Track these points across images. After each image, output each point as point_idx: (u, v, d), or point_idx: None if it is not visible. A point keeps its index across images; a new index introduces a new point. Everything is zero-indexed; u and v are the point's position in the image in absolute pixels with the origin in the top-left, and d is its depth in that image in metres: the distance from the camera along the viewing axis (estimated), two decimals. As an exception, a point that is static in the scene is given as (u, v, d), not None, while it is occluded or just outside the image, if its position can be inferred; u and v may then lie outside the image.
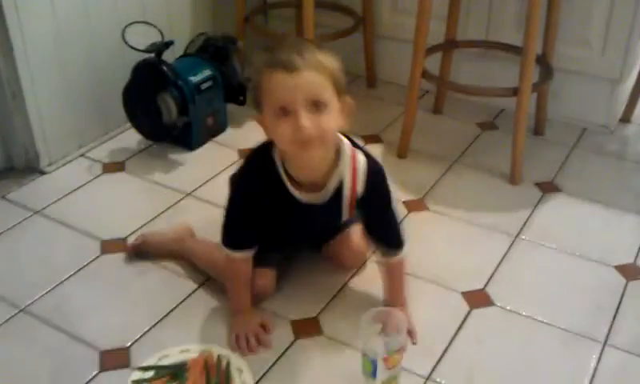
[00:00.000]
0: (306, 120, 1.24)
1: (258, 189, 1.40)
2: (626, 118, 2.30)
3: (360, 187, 1.39)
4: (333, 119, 1.28)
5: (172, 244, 1.67)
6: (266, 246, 1.50)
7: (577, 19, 2.13)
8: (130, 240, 1.72)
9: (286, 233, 1.52)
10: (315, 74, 1.25)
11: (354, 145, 1.41)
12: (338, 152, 1.37)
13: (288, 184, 1.38)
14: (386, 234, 1.47)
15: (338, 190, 1.39)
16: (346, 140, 1.39)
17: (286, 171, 1.38)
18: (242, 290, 1.48)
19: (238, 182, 1.46)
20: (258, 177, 1.40)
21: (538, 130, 2.22)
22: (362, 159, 1.39)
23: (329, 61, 1.28)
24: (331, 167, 1.37)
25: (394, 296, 1.50)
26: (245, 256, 1.46)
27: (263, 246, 1.48)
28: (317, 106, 1.26)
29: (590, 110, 2.24)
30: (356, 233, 1.59)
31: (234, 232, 1.46)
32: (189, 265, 1.64)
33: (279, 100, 1.26)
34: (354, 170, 1.38)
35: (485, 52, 2.29)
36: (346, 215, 1.46)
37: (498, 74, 2.22)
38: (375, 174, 1.40)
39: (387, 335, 1.31)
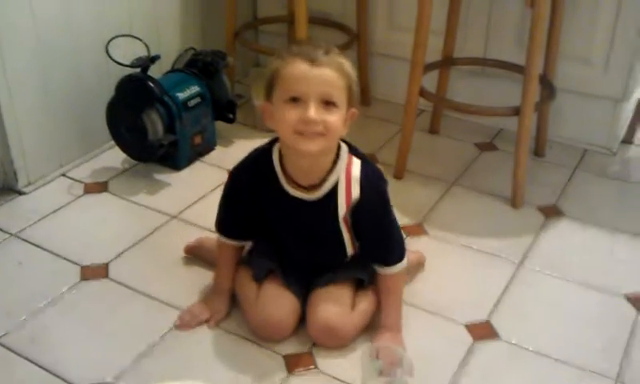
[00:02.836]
0: (315, 112, 1.28)
1: (249, 179, 1.43)
2: (628, 140, 2.24)
3: (355, 192, 1.39)
4: (339, 120, 1.31)
5: None
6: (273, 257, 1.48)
7: (578, 37, 2.07)
8: (112, 265, 1.64)
9: (279, 234, 1.47)
10: (335, 73, 1.30)
11: (354, 151, 1.42)
12: (336, 157, 1.39)
13: (280, 176, 1.39)
14: (382, 245, 1.44)
15: (333, 193, 1.38)
16: (344, 146, 1.41)
17: (282, 169, 1.39)
18: (222, 272, 1.53)
19: (233, 171, 1.48)
20: (250, 169, 1.44)
21: (538, 151, 2.15)
22: (357, 164, 1.40)
23: (349, 69, 1.33)
24: (328, 171, 1.38)
25: (389, 317, 1.44)
26: (232, 244, 1.51)
27: (283, 261, 1.47)
28: (327, 104, 1.29)
29: (592, 131, 2.18)
30: (339, 301, 1.43)
31: (224, 218, 1.51)
32: (174, 290, 1.57)
33: (293, 88, 1.29)
34: (349, 173, 1.39)
35: (482, 70, 2.23)
36: (344, 227, 1.42)
37: (496, 93, 2.16)
38: (371, 178, 1.41)
39: (390, 374, 1.23)
